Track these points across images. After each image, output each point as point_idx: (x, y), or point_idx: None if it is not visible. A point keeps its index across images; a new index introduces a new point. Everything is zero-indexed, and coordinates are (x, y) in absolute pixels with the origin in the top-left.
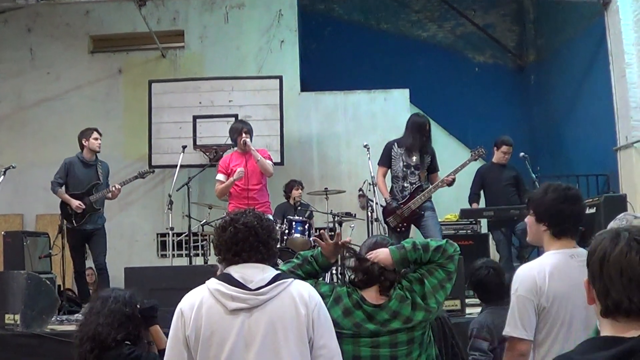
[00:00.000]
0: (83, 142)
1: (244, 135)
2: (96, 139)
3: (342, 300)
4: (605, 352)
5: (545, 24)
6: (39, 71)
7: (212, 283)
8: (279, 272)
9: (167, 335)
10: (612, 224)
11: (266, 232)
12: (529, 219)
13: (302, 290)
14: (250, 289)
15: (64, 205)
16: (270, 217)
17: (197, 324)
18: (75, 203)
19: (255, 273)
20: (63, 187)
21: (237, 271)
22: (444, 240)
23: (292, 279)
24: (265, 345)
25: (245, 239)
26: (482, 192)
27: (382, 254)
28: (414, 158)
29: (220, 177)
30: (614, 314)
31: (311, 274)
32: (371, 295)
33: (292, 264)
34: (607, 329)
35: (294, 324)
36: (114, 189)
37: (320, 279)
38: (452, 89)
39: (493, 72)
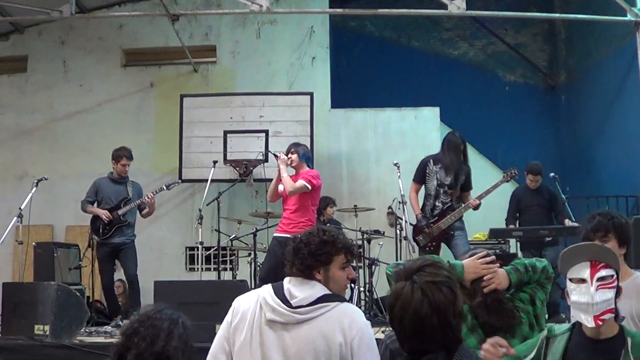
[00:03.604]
0: (112, 163)
1: (289, 153)
2: (124, 165)
3: (467, 318)
4: None
5: (576, 43)
6: (72, 84)
7: (265, 290)
8: (326, 293)
9: None
10: None
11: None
12: (613, 245)
13: (343, 317)
14: (290, 306)
15: (93, 219)
16: None
17: (239, 326)
18: (102, 212)
19: (303, 290)
20: (94, 204)
21: (288, 283)
22: (545, 261)
23: (337, 303)
24: None
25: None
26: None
27: (502, 278)
28: (449, 178)
29: None
30: None
31: None
32: None
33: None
34: None
35: (326, 349)
36: (147, 198)
37: None
38: (483, 108)
39: (524, 92)
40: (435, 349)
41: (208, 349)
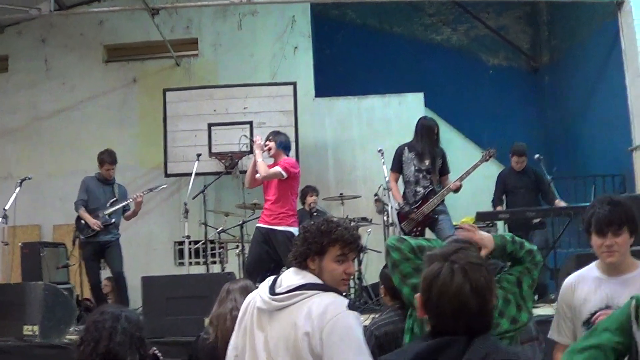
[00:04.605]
0: (98, 166)
1: (267, 141)
2: (108, 170)
3: None
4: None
5: (558, 25)
6: (54, 82)
7: (266, 280)
8: (311, 282)
9: None
10: None
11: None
12: (626, 237)
13: (316, 306)
14: (274, 294)
15: (78, 217)
16: (291, 229)
17: (241, 317)
18: (92, 221)
19: (292, 279)
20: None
21: (284, 273)
22: (535, 247)
23: (317, 292)
24: (270, 352)
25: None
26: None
27: (487, 237)
28: (426, 162)
29: None
30: None
31: None
32: None
33: (425, 243)
34: None
35: (294, 337)
36: (135, 195)
37: None
38: (467, 92)
39: (507, 74)
40: (463, 332)
41: None
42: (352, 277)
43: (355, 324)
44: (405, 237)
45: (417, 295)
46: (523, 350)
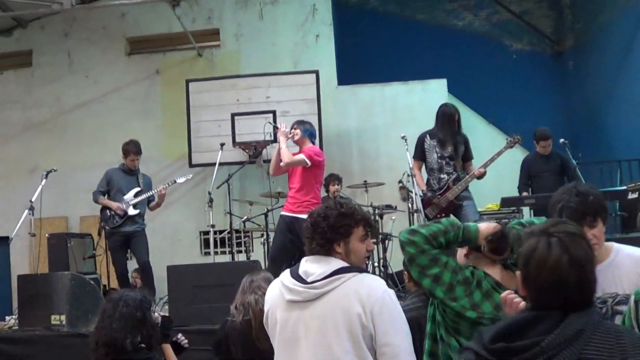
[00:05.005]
0: (122, 156)
1: (292, 129)
2: (132, 160)
3: (482, 283)
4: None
5: (581, 8)
6: (78, 75)
7: (284, 274)
8: (342, 266)
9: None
10: None
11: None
12: (601, 227)
13: (360, 287)
14: (306, 283)
15: (103, 208)
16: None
17: (269, 314)
18: (114, 205)
19: (319, 266)
20: (105, 196)
21: (305, 262)
22: (544, 219)
23: (354, 274)
24: (317, 340)
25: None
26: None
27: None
28: (449, 149)
29: None
30: None
31: (449, 244)
32: (498, 276)
33: (436, 228)
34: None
35: (345, 320)
36: (159, 188)
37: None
38: (490, 78)
39: (531, 59)
40: (562, 307)
41: None
42: (374, 263)
43: (396, 301)
44: (415, 227)
45: (518, 272)
46: (631, 330)
